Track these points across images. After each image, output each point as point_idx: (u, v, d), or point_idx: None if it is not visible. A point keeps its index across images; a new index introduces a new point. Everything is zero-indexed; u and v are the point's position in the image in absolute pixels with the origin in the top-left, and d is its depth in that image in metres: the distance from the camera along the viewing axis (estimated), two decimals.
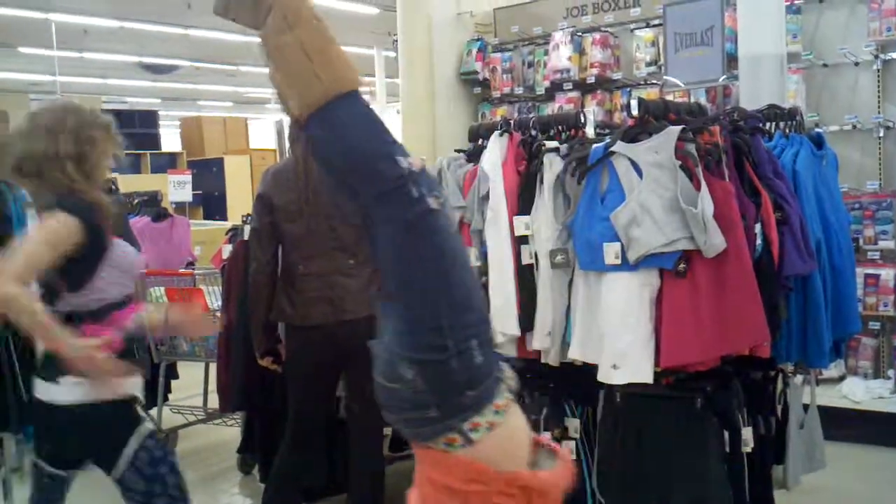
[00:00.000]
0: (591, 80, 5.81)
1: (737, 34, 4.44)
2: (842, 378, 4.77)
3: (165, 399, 4.96)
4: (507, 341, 2.96)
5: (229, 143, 13.44)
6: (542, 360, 2.94)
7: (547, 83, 5.98)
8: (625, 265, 2.60)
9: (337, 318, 3.18)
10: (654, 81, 5.64)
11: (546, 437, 1.47)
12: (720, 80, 4.79)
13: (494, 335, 2.94)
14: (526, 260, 2.94)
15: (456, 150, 3.43)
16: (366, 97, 1.34)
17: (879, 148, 4.88)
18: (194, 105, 22.56)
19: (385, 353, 1.33)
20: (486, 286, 3.00)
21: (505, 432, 1.32)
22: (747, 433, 2.79)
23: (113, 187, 5.24)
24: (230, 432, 4.85)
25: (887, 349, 4.83)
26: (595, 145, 2.77)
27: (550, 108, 5.95)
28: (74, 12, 11.79)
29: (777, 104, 3.35)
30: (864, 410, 4.50)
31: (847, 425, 4.30)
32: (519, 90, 6.23)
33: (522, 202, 2.97)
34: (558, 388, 3.07)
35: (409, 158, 1.31)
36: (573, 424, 3.03)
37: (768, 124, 3.17)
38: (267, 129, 17.53)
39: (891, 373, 4.75)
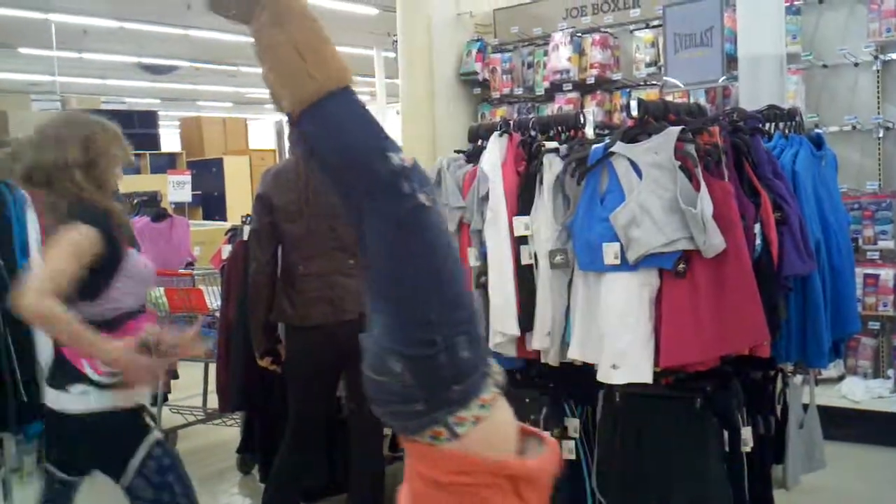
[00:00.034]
0: (591, 80, 5.82)
1: (736, 35, 4.44)
2: (841, 378, 4.77)
3: (165, 399, 4.95)
4: (506, 341, 2.96)
5: (229, 144, 13.44)
6: (542, 360, 2.94)
7: (546, 84, 5.98)
8: (624, 265, 2.60)
9: (337, 319, 3.18)
10: (654, 82, 5.64)
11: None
12: (720, 80, 4.79)
13: (494, 335, 2.96)
14: (525, 260, 2.94)
15: (455, 151, 3.43)
16: (361, 94, 1.33)
17: (879, 148, 4.88)
18: (194, 105, 22.57)
19: (374, 347, 1.34)
20: (485, 286, 3.01)
21: (491, 426, 1.33)
22: (747, 433, 2.79)
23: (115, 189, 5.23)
24: (230, 432, 4.85)
25: (887, 349, 4.84)
26: (595, 146, 2.77)
27: (550, 109, 5.95)
28: (74, 13, 11.80)
29: (776, 105, 3.36)
30: (863, 410, 4.50)
31: (847, 425, 4.30)
32: (518, 91, 6.24)
33: (522, 203, 2.97)
34: (558, 387, 3.07)
35: (401, 154, 1.31)
36: (573, 424, 3.03)
37: (768, 125, 3.18)
38: (266, 130, 17.54)
39: (890, 372, 4.75)
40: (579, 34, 5.87)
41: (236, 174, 12.44)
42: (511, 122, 3.19)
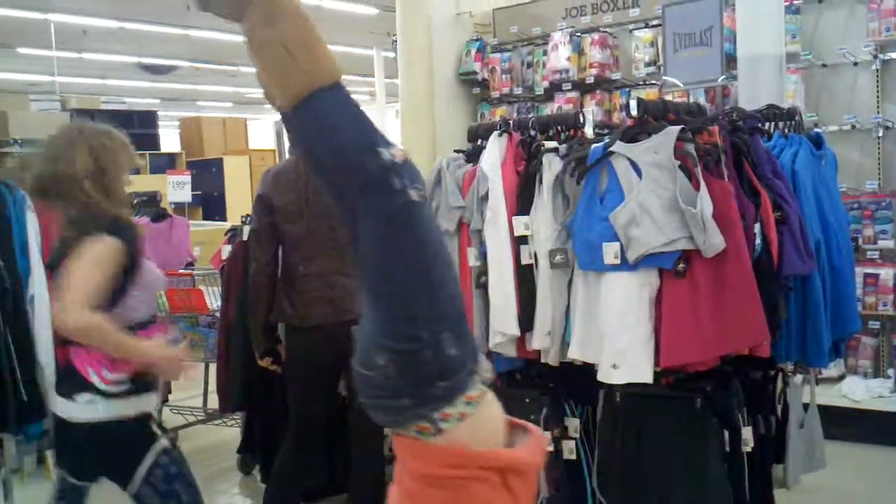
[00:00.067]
0: (590, 80, 5.82)
1: (735, 34, 4.44)
2: (841, 377, 4.78)
3: (165, 400, 4.95)
4: (507, 341, 2.96)
5: (229, 144, 13.43)
6: (542, 360, 2.94)
7: (546, 83, 5.98)
8: (624, 265, 2.60)
9: (337, 319, 3.18)
10: (653, 82, 5.64)
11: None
12: (719, 80, 4.79)
13: (495, 335, 2.96)
14: (525, 260, 2.94)
15: (455, 151, 3.43)
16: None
17: (878, 148, 4.88)
18: (193, 105, 22.57)
19: (363, 341, 1.36)
20: (485, 286, 3.00)
21: (476, 423, 1.33)
22: (747, 433, 2.79)
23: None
24: (230, 433, 4.85)
25: (887, 348, 4.84)
26: (594, 145, 2.77)
27: (549, 109, 5.95)
28: (73, 13, 11.80)
29: (776, 104, 3.36)
30: (863, 409, 4.50)
31: (847, 424, 4.30)
32: (518, 90, 6.24)
33: (521, 202, 2.97)
34: (558, 387, 3.07)
35: (391, 149, 1.31)
36: (573, 424, 3.03)
37: (767, 124, 3.18)
38: (266, 130, 17.53)
39: (890, 372, 4.75)
40: (578, 34, 5.87)
41: (236, 174, 12.43)
42: (510, 122, 3.19)
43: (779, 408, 3.20)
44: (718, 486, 2.73)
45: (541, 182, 2.92)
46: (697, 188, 2.55)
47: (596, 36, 5.81)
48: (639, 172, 2.61)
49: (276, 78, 1.31)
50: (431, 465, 1.33)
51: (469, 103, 6.57)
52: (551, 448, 3.01)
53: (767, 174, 2.80)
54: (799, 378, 3.35)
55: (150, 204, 5.71)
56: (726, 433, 2.76)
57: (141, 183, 9.23)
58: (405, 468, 1.37)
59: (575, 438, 3.03)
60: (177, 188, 8.15)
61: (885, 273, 4.71)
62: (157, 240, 5.38)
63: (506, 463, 1.34)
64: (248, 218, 4.14)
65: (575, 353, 2.79)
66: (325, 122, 1.30)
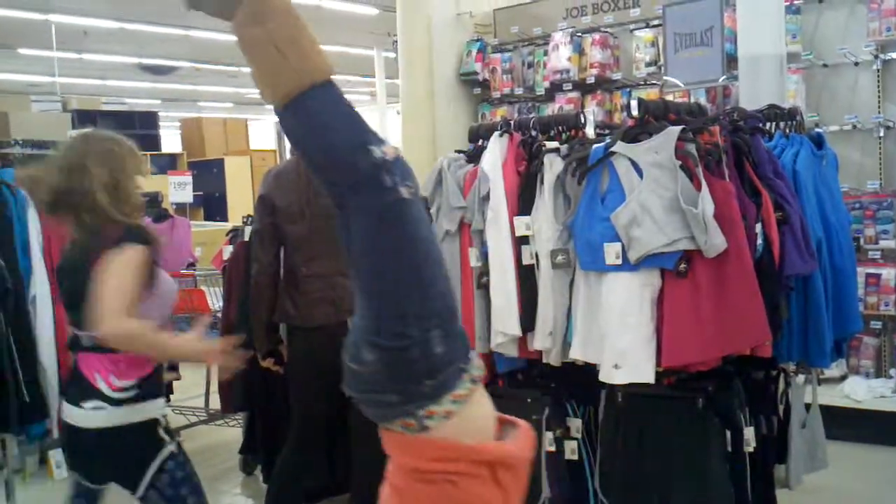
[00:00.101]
0: (591, 80, 5.82)
1: (736, 34, 4.44)
2: (843, 377, 4.77)
3: (167, 400, 4.95)
4: (508, 341, 2.96)
5: (230, 144, 13.44)
6: (544, 360, 2.94)
7: (547, 84, 5.98)
8: (625, 265, 2.60)
9: (339, 319, 3.18)
10: (654, 82, 5.64)
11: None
12: (720, 80, 4.79)
13: (496, 335, 2.95)
14: (527, 260, 2.94)
15: (456, 151, 3.43)
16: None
17: (880, 148, 4.88)
18: (194, 106, 22.57)
19: (353, 337, 1.38)
20: (487, 286, 3.00)
21: (463, 421, 1.33)
22: (749, 433, 2.79)
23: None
24: (232, 433, 4.86)
25: (889, 348, 4.83)
26: (595, 146, 2.77)
27: (550, 109, 5.95)
28: (74, 13, 11.79)
29: (777, 104, 3.36)
30: (865, 410, 4.50)
31: (849, 425, 4.30)
32: (519, 91, 6.23)
33: (523, 202, 2.97)
34: (560, 388, 3.08)
35: (383, 147, 1.31)
36: (575, 424, 3.04)
37: (768, 124, 3.18)
38: (267, 130, 17.55)
39: (892, 372, 4.75)
40: (579, 34, 5.87)
41: (237, 175, 12.44)
42: (511, 122, 3.19)
43: (780, 408, 3.21)
44: (720, 487, 2.73)
45: (542, 182, 2.92)
46: (699, 188, 2.55)
47: (597, 36, 5.80)
48: (640, 173, 2.62)
49: (267, 76, 1.31)
50: (419, 460, 1.33)
51: (470, 104, 6.57)
52: (553, 448, 3.01)
53: (769, 174, 2.80)
54: (801, 378, 3.36)
55: (152, 205, 5.71)
56: (728, 433, 2.77)
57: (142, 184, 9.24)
58: (395, 465, 1.38)
59: (577, 439, 3.03)
60: (178, 189, 8.14)
61: (887, 273, 4.71)
62: None
63: (495, 456, 1.34)
64: (250, 218, 4.14)
65: (576, 354, 2.79)
66: (316, 120, 1.30)
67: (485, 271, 3.03)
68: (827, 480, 3.63)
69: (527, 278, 2.94)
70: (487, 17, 6.50)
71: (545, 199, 2.90)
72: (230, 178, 12.33)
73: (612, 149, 2.67)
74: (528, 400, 3.02)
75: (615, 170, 2.67)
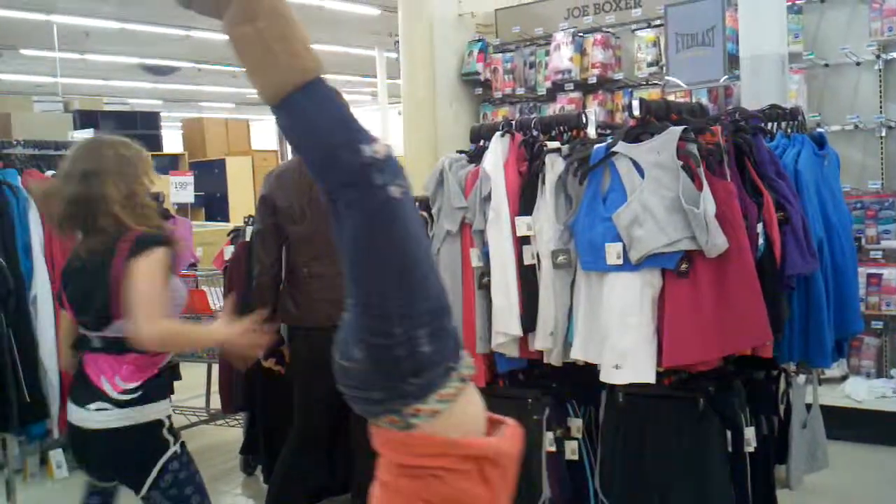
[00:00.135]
0: (593, 80, 5.81)
1: (738, 34, 4.44)
2: (844, 377, 4.77)
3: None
4: (509, 341, 2.96)
5: (231, 145, 13.43)
6: (545, 361, 2.94)
7: (548, 84, 5.98)
8: (627, 265, 2.60)
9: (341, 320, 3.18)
10: (656, 82, 5.64)
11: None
12: (721, 80, 4.79)
13: (497, 335, 2.95)
14: (528, 260, 2.94)
15: (458, 151, 3.43)
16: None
17: (881, 147, 4.88)
18: (196, 106, 22.59)
19: (342, 333, 1.40)
20: (488, 287, 3.00)
21: (449, 420, 1.34)
22: (750, 433, 2.79)
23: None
24: (232, 433, 4.85)
25: (890, 349, 4.83)
26: (597, 146, 2.77)
27: (552, 109, 5.95)
28: (76, 14, 11.82)
29: (778, 104, 3.36)
30: (866, 410, 4.49)
31: (850, 425, 4.30)
32: (520, 91, 6.23)
33: (524, 203, 2.97)
34: (561, 388, 3.07)
35: (373, 145, 1.30)
36: (576, 424, 3.03)
37: (770, 124, 3.18)
38: (269, 131, 17.56)
39: (893, 372, 4.75)
40: (581, 34, 5.87)
41: (239, 175, 12.43)
42: (513, 122, 3.19)
43: (781, 408, 3.20)
44: (721, 487, 2.73)
45: (543, 182, 2.92)
46: (700, 188, 2.55)
47: (598, 36, 5.80)
48: (641, 173, 2.61)
49: (258, 75, 1.30)
50: (405, 455, 1.33)
51: (471, 104, 6.57)
52: (553, 448, 3.01)
53: (770, 174, 2.80)
54: (802, 378, 3.35)
55: None
56: (729, 433, 2.76)
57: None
58: (383, 461, 1.38)
59: (577, 438, 3.03)
60: (179, 189, 8.13)
61: (889, 273, 4.70)
62: None
63: (481, 451, 1.34)
64: (251, 219, 4.14)
65: (577, 354, 2.78)
66: (307, 118, 1.30)
67: (486, 271, 3.03)
68: (827, 481, 3.63)
69: (528, 278, 2.94)
70: (489, 17, 6.50)
71: (546, 200, 2.90)
72: (231, 178, 12.32)
73: (614, 149, 2.67)
74: (529, 400, 3.02)
75: (617, 170, 2.67)
